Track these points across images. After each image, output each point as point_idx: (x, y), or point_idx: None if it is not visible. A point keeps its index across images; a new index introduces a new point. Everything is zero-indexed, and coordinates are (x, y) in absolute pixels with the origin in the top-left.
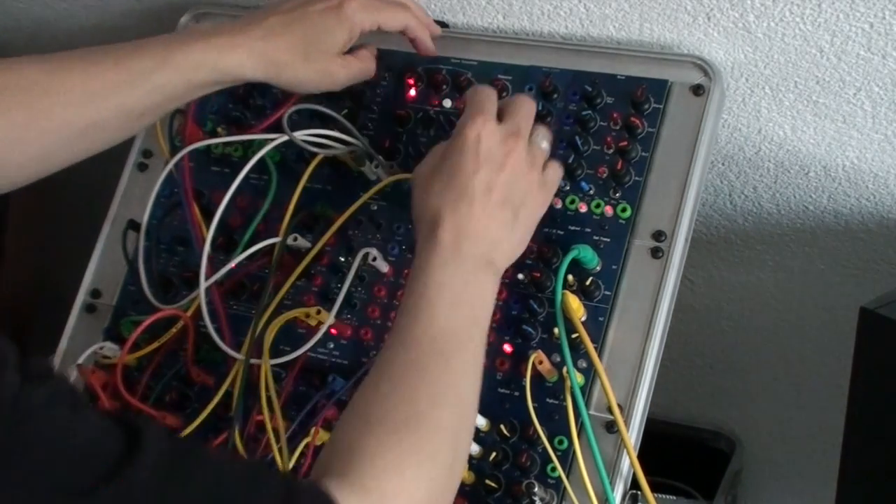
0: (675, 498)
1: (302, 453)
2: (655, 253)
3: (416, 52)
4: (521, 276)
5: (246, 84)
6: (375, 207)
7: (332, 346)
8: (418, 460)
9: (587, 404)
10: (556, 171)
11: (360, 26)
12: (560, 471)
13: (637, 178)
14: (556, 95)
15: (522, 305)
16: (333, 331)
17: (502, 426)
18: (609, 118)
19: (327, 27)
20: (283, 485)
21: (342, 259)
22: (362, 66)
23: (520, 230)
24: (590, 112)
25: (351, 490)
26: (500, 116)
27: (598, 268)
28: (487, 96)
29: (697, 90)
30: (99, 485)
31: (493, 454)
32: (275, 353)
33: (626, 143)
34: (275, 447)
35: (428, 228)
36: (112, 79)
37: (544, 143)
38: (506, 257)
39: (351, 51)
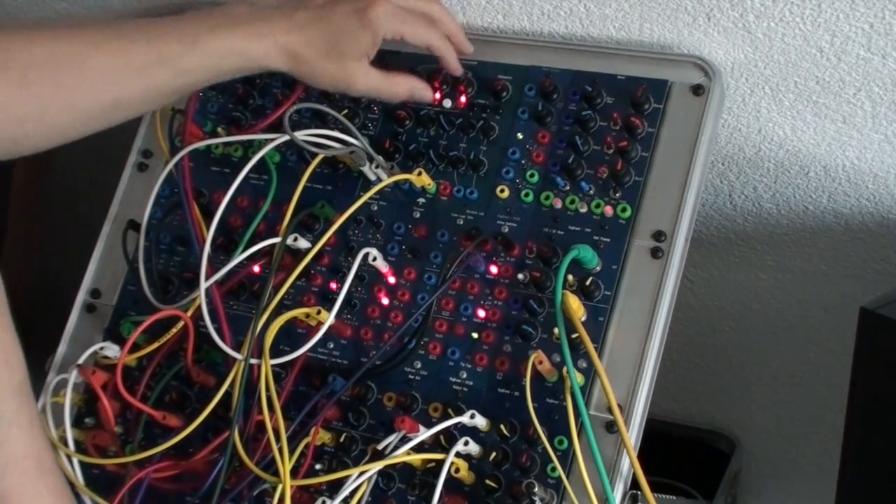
0: (675, 498)
1: (302, 453)
2: (655, 253)
3: (416, 53)
4: (521, 276)
5: (246, 84)
6: (375, 207)
7: (331, 346)
8: None
9: (587, 404)
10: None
11: (383, 32)
12: (560, 471)
13: (637, 178)
14: (556, 95)
15: (522, 305)
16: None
17: (502, 426)
18: (609, 118)
19: (349, 29)
20: None
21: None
22: (387, 83)
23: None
24: (590, 112)
25: None
26: None
27: (598, 268)
28: None
29: (697, 90)
30: None
31: (493, 454)
32: (275, 353)
33: (626, 143)
34: (275, 447)
35: None
36: (140, 59)
37: None
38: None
39: (389, 70)
